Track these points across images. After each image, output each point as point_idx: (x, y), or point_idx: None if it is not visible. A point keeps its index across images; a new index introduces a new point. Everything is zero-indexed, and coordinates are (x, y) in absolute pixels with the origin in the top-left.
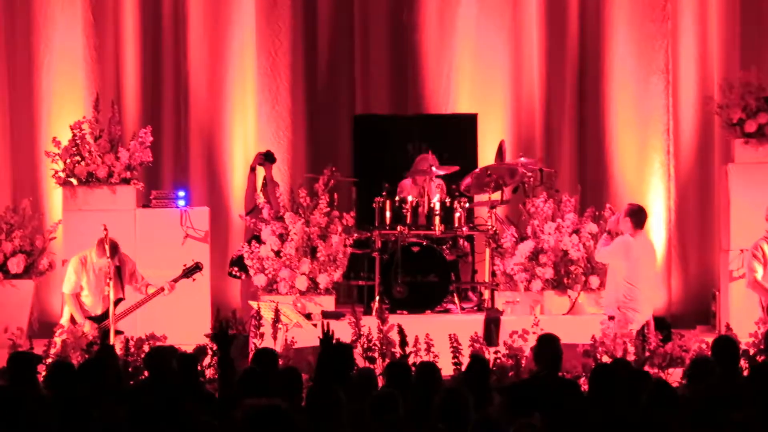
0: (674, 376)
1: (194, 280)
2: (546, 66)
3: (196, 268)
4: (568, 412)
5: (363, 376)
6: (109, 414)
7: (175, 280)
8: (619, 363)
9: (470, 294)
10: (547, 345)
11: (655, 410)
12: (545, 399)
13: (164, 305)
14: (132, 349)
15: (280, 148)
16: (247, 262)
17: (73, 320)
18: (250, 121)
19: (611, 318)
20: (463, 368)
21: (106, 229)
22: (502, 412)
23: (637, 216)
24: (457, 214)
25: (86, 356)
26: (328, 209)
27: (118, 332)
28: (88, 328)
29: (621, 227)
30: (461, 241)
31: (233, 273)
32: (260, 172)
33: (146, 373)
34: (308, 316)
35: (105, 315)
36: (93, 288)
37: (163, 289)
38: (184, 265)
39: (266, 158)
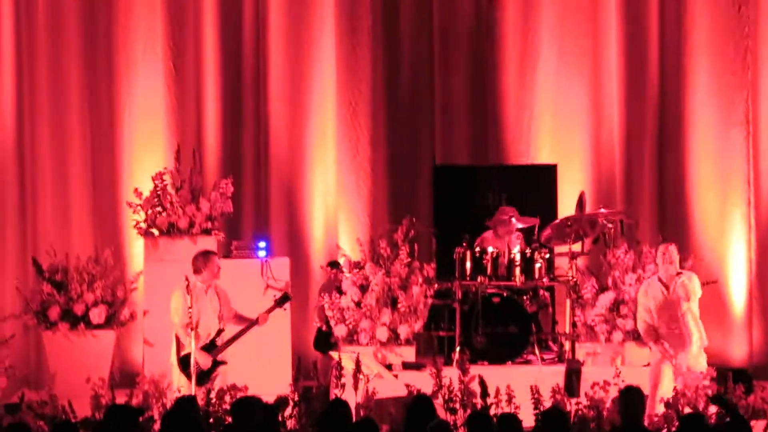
0: (756, 428)
1: (285, 309)
2: (626, 116)
3: (286, 297)
4: None
5: (440, 427)
6: None
7: (268, 311)
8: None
9: (551, 345)
10: (630, 397)
11: None
12: None
13: (245, 355)
14: (214, 400)
15: (360, 198)
16: (328, 312)
17: (180, 361)
18: (330, 171)
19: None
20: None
21: (187, 280)
22: None
23: None
24: (538, 265)
25: (168, 407)
26: (409, 260)
27: (220, 362)
28: (203, 360)
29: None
30: (542, 292)
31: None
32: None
33: (228, 420)
34: (389, 367)
35: (212, 344)
36: (200, 316)
37: (257, 320)
38: (274, 297)
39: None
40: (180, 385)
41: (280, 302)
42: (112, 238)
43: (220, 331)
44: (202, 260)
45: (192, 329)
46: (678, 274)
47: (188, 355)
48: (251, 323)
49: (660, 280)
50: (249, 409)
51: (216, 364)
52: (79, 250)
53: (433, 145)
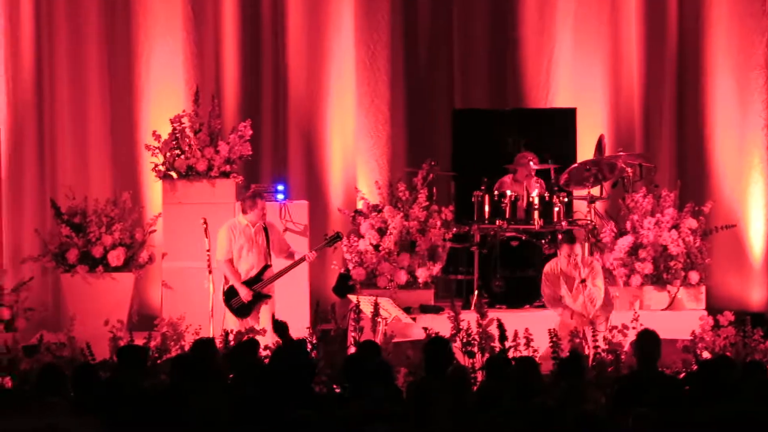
0: None
1: (335, 249)
2: (645, 60)
3: (337, 237)
4: (671, 409)
5: (457, 371)
6: (211, 404)
7: (318, 250)
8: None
9: None
10: (646, 341)
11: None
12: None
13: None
14: (232, 342)
15: (379, 142)
16: (346, 255)
17: (224, 294)
18: (348, 114)
19: None
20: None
21: (205, 223)
22: (603, 409)
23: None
24: (556, 209)
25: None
26: (427, 203)
27: (265, 296)
28: (245, 293)
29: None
30: (560, 236)
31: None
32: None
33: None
34: (407, 310)
35: (256, 278)
36: (245, 252)
37: (305, 257)
38: (325, 235)
39: None
40: (228, 324)
41: (330, 241)
42: (131, 180)
43: (265, 267)
44: (249, 202)
45: (231, 267)
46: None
47: (231, 288)
48: (299, 260)
49: None
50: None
51: (259, 297)
52: (98, 193)
53: (452, 88)
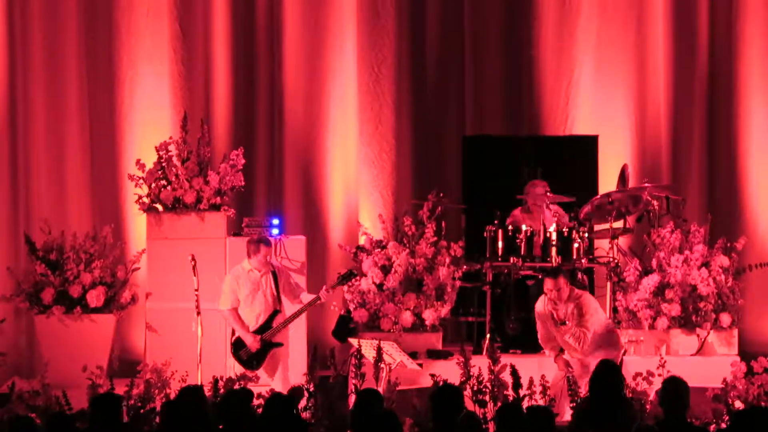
0: None
1: (349, 287)
2: (673, 83)
3: (351, 274)
4: None
5: (470, 420)
6: None
7: (332, 288)
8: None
9: None
10: (674, 389)
11: None
12: None
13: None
14: (221, 390)
15: (383, 172)
16: (347, 295)
17: (232, 346)
18: (350, 142)
19: None
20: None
21: (193, 260)
22: None
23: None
24: (576, 245)
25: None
26: (435, 239)
27: (276, 344)
28: (251, 343)
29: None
30: (579, 274)
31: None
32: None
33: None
34: (413, 356)
35: (265, 327)
36: (251, 299)
37: (318, 298)
38: (338, 273)
39: None
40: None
41: (344, 279)
42: (112, 214)
43: (275, 313)
44: (253, 247)
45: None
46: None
47: (238, 339)
48: (312, 300)
49: None
50: (239, 404)
51: (269, 345)
52: (76, 227)
53: (462, 114)
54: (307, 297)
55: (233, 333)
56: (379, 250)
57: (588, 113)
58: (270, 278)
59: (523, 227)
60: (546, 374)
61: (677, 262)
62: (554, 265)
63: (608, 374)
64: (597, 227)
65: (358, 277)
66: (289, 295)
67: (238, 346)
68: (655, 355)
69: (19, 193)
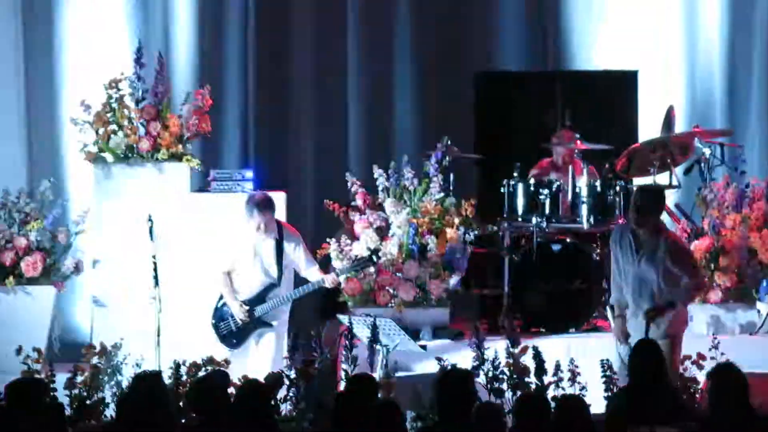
0: None
1: (364, 275)
2: (729, 8)
3: (369, 260)
4: None
5: (486, 412)
6: None
7: (342, 273)
8: None
9: None
10: (729, 376)
11: None
12: None
13: None
14: (184, 378)
15: (380, 115)
16: (336, 263)
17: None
18: (340, 76)
19: None
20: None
21: (151, 220)
22: None
23: None
24: (611, 202)
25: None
26: (442, 195)
27: (266, 324)
28: (237, 310)
29: None
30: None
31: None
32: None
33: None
34: (415, 336)
35: (257, 300)
36: (247, 268)
37: (322, 280)
38: (356, 256)
39: None
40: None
41: (361, 264)
42: (52, 165)
43: (271, 286)
44: (247, 208)
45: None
46: None
47: (222, 307)
48: (314, 284)
49: None
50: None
51: (256, 323)
52: (9, 182)
53: (475, 47)
54: (314, 275)
55: (221, 297)
56: (375, 208)
57: (626, 44)
58: (271, 245)
59: (552, 179)
60: (575, 358)
61: (733, 222)
62: (585, 229)
63: (649, 356)
64: (637, 181)
65: (378, 263)
66: (300, 267)
67: (220, 316)
68: (706, 335)
69: None
